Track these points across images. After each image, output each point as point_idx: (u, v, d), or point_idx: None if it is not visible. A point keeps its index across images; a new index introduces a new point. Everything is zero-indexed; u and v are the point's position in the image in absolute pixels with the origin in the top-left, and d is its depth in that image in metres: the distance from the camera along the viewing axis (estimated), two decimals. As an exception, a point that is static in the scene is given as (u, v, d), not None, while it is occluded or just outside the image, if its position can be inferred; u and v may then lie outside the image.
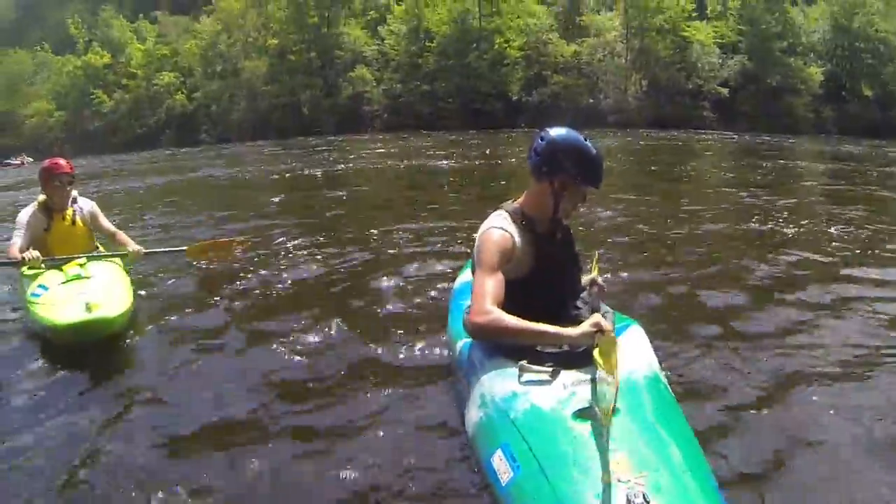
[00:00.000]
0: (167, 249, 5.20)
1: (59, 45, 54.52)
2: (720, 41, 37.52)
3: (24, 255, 4.08)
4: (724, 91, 35.67)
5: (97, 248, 4.71)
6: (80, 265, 4.07)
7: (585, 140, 2.31)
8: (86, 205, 4.59)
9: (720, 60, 36.87)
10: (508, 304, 2.14)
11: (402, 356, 3.21)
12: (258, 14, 42.88)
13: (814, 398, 2.73)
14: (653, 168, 13.46)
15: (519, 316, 2.09)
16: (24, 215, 4.31)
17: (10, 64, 55.60)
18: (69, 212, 4.44)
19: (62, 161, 4.42)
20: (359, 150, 21.64)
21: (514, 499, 1.65)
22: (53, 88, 51.37)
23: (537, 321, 2.09)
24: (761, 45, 37.37)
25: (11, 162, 35.89)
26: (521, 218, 2.33)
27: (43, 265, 4.11)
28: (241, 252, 5.44)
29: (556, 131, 2.34)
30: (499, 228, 2.27)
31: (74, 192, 4.53)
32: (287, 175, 14.37)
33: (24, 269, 4.14)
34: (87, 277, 3.96)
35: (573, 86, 35.80)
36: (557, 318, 2.21)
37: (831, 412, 2.58)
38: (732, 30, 38.24)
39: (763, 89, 36.41)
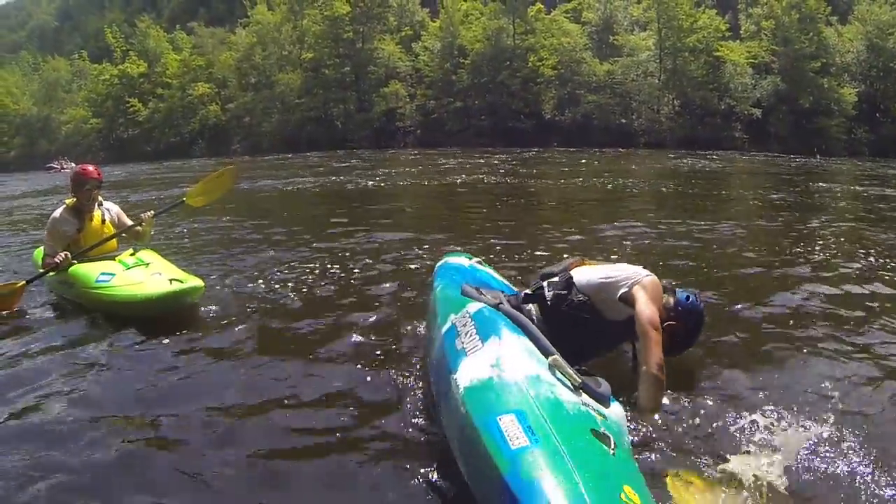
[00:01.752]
0: (170, 206, 5.66)
1: (96, 53, 55.72)
2: (753, 61, 37.35)
3: (56, 259, 4.59)
4: (757, 112, 35.52)
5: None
6: (131, 254, 4.68)
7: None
8: (112, 207, 5.02)
9: (753, 81, 36.73)
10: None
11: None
12: (293, 28, 43.42)
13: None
14: (686, 189, 13.31)
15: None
16: (58, 219, 4.73)
17: (48, 71, 56.99)
18: (97, 213, 4.86)
19: (91, 167, 4.86)
20: (391, 165, 21.75)
21: (526, 465, 1.65)
22: (89, 96, 52.44)
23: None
24: (794, 65, 37.12)
25: (53, 166, 36.74)
26: None
27: (75, 261, 4.60)
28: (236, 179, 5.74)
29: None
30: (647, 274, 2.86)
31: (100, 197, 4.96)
32: (318, 188, 14.41)
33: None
34: (148, 263, 4.57)
35: (606, 105, 35.88)
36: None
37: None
38: (766, 50, 38.04)
39: (796, 110, 36.22)
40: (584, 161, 22.14)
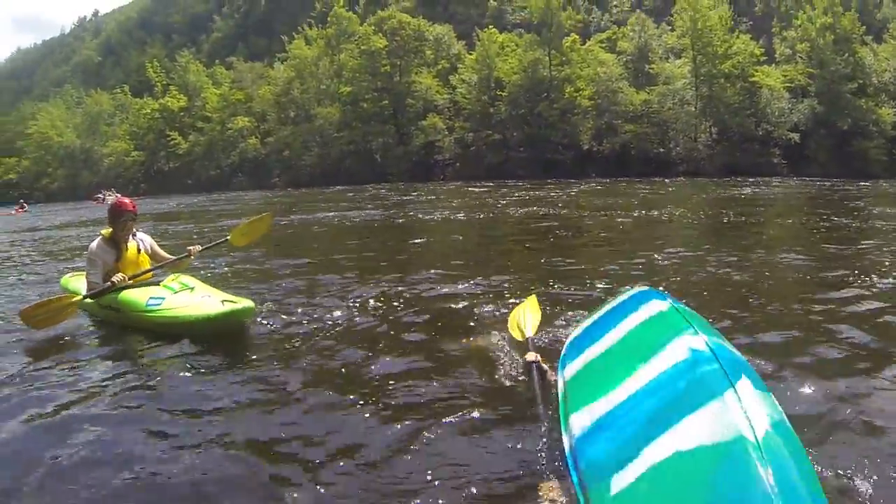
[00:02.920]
0: (214, 243, 5.82)
1: (137, 88, 57.37)
2: (789, 85, 37.43)
3: (113, 279, 4.85)
4: (795, 136, 35.53)
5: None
6: (175, 280, 4.93)
7: None
8: (146, 238, 5.25)
9: (790, 105, 36.77)
10: None
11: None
12: (331, 62, 44.38)
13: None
14: (724, 219, 13.26)
15: None
16: (96, 249, 4.92)
17: (91, 104, 58.76)
18: (133, 244, 5.07)
19: (128, 200, 5.14)
20: (430, 198, 21.71)
21: None
22: (131, 129, 54.00)
23: None
24: (831, 87, 37.12)
25: (99, 196, 37.76)
26: None
27: (130, 282, 4.92)
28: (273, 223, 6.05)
29: None
30: None
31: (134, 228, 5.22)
32: (358, 221, 14.42)
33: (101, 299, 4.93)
34: (192, 288, 4.80)
35: (643, 134, 36.18)
36: None
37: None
38: (801, 73, 38.08)
39: (834, 133, 36.17)
40: (624, 191, 22.16)
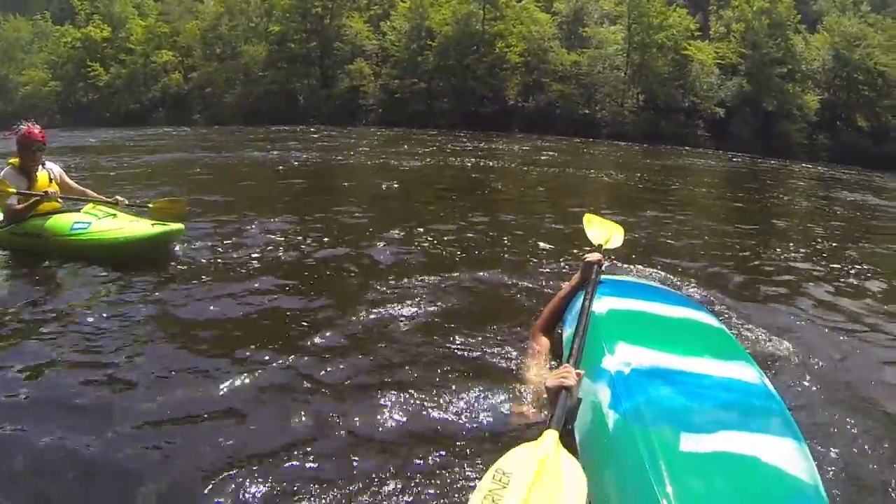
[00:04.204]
0: (137, 205, 5.80)
1: (59, 15, 54.12)
2: (720, 62, 37.57)
3: (47, 190, 5.00)
4: (720, 111, 35.75)
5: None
6: (95, 208, 5.12)
7: None
8: (55, 167, 5.36)
9: (719, 81, 36.98)
10: None
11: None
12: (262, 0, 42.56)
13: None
14: (644, 184, 13.39)
15: None
16: (6, 178, 4.96)
17: (9, 30, 55.09)
18: (43, 173, 5.15)
19: (37, 130, 5.15)
20: (351, 142, 21.45)
21: None
22: (49, 58, 50.81)
23: None
24: (761, 69, 37.47)
25: (16, 128, 35.37)
26: None
27: (58, 201, 5.11)
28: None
29: None
30: None
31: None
32: (281, 162, 14.17)
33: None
34: (116, 215, 5.04)
35: (570, 95, 35.75)
36: None
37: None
38: (734, 52, 38.29)
39: (759, 112, 36.54)
40: (547, 147, 22.27)
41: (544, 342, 2.82)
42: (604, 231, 3.88)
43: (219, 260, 4.81)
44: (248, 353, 3.11)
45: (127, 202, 5.48)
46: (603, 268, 2.92)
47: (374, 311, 3.67)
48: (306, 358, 3.00)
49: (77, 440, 2.33)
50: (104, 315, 3.63)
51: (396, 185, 10.50)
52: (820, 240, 7.35)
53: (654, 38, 36.69)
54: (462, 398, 2.60)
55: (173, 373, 2.90)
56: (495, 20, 37.43)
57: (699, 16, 40.93)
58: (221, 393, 2.67)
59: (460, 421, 2.45)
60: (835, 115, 39.15)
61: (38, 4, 59.78)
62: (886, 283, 5.42)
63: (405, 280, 4.35)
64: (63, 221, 4.89)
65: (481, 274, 4.57)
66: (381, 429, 2.42)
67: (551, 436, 1.66)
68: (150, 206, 5.72)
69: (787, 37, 38.88)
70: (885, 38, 39.51)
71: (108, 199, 5.36)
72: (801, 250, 6.61)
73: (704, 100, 36.04)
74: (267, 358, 3.02)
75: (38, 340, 3.28)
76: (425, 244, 5.64)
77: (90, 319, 3.56)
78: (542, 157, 17.85)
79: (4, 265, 4.86)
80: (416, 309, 3.76)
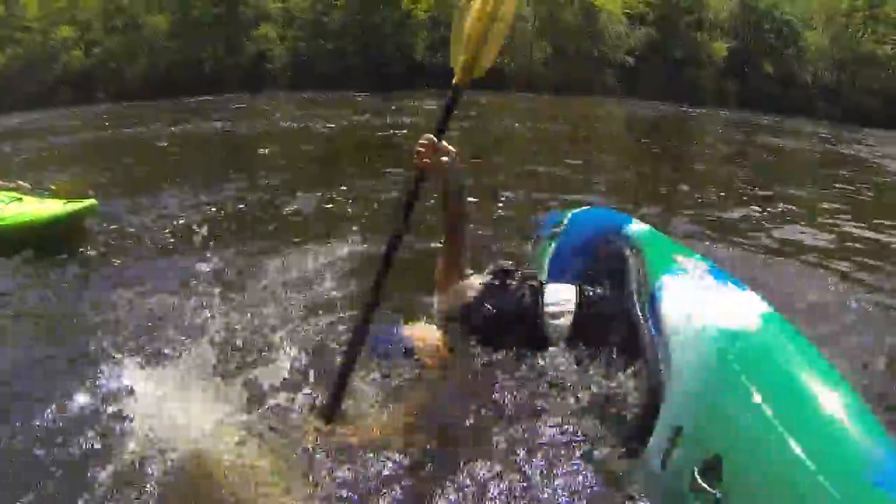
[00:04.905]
0: (39, 188, 5.70)
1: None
2: (628, 11, 37.94)
3: None
4: (630, 60, 36.19)
5: None
6: (2, 191, 5.12)
7: None
8: None
9: (627, 30, 37.35)
10: None
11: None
12: (161, -33, 40.96)
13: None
14: (556, 133, 13.60)
15: None
16: None
17: None
18: None
19: None
20: (261, 109, 21.57)
21: None
22: (-59, 42, 48.00)
23: None
24: (669, 17, 38.11)
25: None
26: None
27: None
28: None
29: None
30: None
31: None
32: (185, 134, 14.08)
33: None
34: (21, 199, 5.00)
35: (479, 49, 35.51)
36: None
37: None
38: (642, 1, 38.72)
39: (667, 60, 37.16)
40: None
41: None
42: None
43: (134, 233, 4.90)
44: (168, 332, 3.02)
45: (29, 186, 5.44)
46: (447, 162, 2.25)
47: (297, 277, 3.61)
48: (224, 331, 2.86)
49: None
50: (29, 298, 3.67)
51: (311, 149, 10.83)
52: (737, 183, 7.69)
53: (560, -11, 36.79)
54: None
55: (92, 356, 2.79)
56: (400, -23, 36.91)
57: (606, -33, 41.13)
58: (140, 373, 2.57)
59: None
60: (743, 61, 40.15)
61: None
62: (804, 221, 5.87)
63: (328, 242, 4.25)
64: None
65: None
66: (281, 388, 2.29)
67: None
68: (52, 187, 5.68)
69: (694, -15, 39.59)
70: (790, -13, 40.74)
71: (9, 184, 5.33)
72: (720, 193, 6.97)
73: (613, 49, 36.41)
74: (184, 337, 2.90)
75: None
76: (346, 206, 5.79)
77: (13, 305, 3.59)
78: (454, 113, 17.87)
79: None
80: (343, 270, 3.73)
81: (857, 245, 5.18)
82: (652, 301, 1.74)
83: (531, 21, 36.71)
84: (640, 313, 1.77)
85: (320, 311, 3.03)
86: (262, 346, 2.68)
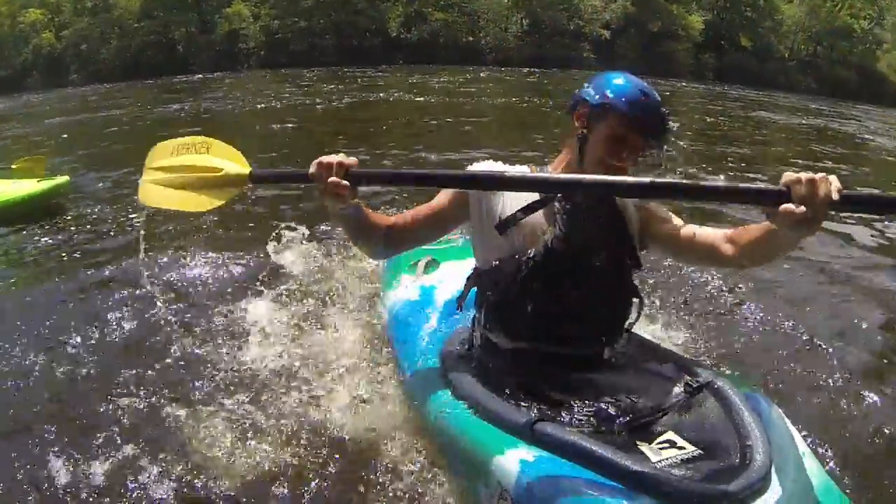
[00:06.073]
0: None
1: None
2: (604, -16, 37.81)
3: None
4: (606, 33, 36.07)
5: None
6: None
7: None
8: None
9: (603, 3, 37.22)
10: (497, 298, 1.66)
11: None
12: (130, -55, 40.25)
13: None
14: (531, 107, 13.55)
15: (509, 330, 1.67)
16: None
17: None
18: None
19: None
20: (234, 88, 21.18)
21: None
22: None
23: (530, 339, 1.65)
24: (645, -10, 37.94)
25: None
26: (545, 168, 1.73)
27: None
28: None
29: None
30: (494, 164, 1.66)
31: None
32: (159, 115, 13.81)
33: None
34: None
35: (453, 23, 35.41)
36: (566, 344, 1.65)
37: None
38: (617, -26, 38.55)
39: (643, 33, 37.08)
40: (432, 78, 22.21)
41: None
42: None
43: (107, 209, 4.97)
44: (140, 307, 3.07)
45: None
46: None
47: (273, 254, 3.55)
48: (193, 302, 3.05)
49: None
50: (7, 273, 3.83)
51: (284, 127, 10.63)
52: (719, 158, 7.66)
53: (536, -37, 36.55)
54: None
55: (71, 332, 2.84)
56: (373, -49, 36.58)
57: (581, -60, 40.91)
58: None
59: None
60: (719, 35, 40.15)
61: None
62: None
63: (301, 224, 4.06)
64: None
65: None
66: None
67: None
68: (13, 167, 5.70)
69: (670, -41, 39.44)
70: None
71: None
72: (703, 168, 6.98)
73: (589, 22, 36.29)
74: (153, 313, 2.97)
75: None
76: None
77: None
78: (428, 88, 18.12)
79: None
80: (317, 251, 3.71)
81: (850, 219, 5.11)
82: None
83: (506, -6, 36.61)
84: None
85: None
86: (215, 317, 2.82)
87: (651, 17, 37.57)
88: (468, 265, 2.08)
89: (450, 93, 16.19)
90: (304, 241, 3.72)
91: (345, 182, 1.43)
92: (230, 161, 1.77)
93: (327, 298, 3.00)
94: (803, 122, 14.26)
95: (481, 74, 24.37)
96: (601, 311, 1.65)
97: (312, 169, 1.45)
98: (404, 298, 2.43)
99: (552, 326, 1.61)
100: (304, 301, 2.99)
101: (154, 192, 1.86)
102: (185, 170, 1.81)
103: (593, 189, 1.42)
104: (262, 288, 3.08)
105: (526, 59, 33.55)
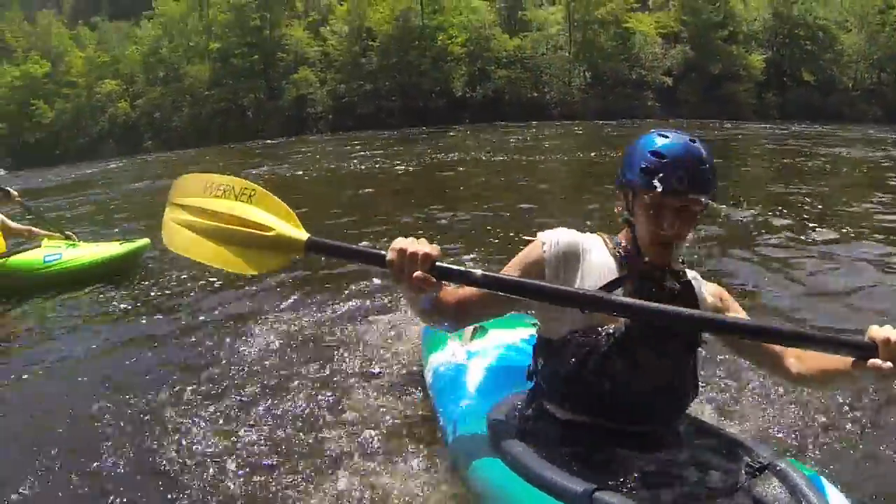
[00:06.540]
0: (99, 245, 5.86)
1: (-5, 55, 52.91)
2: (662, 31, 37.81)
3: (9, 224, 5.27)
4: (668, 80, 36.00)
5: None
6: (52, 241, 5.41)
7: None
8: None
9: (663, 51, 37.21)
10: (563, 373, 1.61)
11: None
12: (199, 18, 42.07)
13: None
14: (600, 160, 13.39)
15: (569, 403, 1.63)
16: None
17: (-54, 74, 53.88)
18: None
19: None
20: (302, 152, 21.41)
21: None
22: (-8, 100, 49.76)
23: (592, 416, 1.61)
24: (703, 34, 37.79)
25: None
26: (616, 246, 1.66)
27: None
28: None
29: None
30: (569, 233, 1.67)
31: None
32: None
33: None
34: (76, 244, 5.40)
35: (517, 80, 35.81)
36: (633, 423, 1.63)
37: None
38: (674, 20, 38.56)
39: (705, 77, 36.83)
40: (499, 135, 22.34)
41: None
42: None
43: (184, 272, 5.05)
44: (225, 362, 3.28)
45: (75, 238, 5.65)
46: None
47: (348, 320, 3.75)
48: (277, 358, 3.22)
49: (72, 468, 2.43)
50: (94, 328, 4.07)
51: (352, 190, 10.50)
52: (793, 200, 7.34)
53: (594, 15, 36.82)
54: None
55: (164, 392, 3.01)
56: (434, 13, 37.42)
57: (636, -13, 41.09)
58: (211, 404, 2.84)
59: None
60: (780, 72, 39.58)
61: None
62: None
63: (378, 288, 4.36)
64: (32, 257, 5.14)
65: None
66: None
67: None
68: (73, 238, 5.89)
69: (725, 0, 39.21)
70: (821, -10, 40.07)
71: (61, 234, 5.61)
72: (778, 211, 6.69)
73: (650, 70, 36.29)
74: (240, 368, 3.18)
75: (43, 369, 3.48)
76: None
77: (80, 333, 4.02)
78: (496, 146, 17.86)
79: None
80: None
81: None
82: None
83: (568, 49, 36.86)
84: None
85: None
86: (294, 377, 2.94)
87: (711, 59, 37.30)
88: (516, 334, 2.25)
89: (519, 150, 16.02)
90: (352, 300, 4.00)
91: (432, 279, 1.36)
92: (281, 219, 1.55)
93: (368, 358, 3.18)
94: (872, 153, 13.73)
95: (547, 131, 24.22)
96: (669, 391, 1.62)
97: (391, 255, 1.37)
98: (450, 362, 2.42)
99: (619, 402, 1.57)
100: (346, 360, 3.17)
101: (182, 236, 1.63)
102: (223, 218, 1.57)
103: (659, 318, 1.36)
104: (334, 351, 3.30)
105: (591, 112, 33.57)
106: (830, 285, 4.32)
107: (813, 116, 32.96)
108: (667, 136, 1.55)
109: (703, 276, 1.78)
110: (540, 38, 37.24)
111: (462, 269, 1.41)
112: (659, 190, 1.49)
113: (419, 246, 1.37)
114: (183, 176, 1.71)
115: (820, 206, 6.81)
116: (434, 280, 1.36)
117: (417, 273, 1.35)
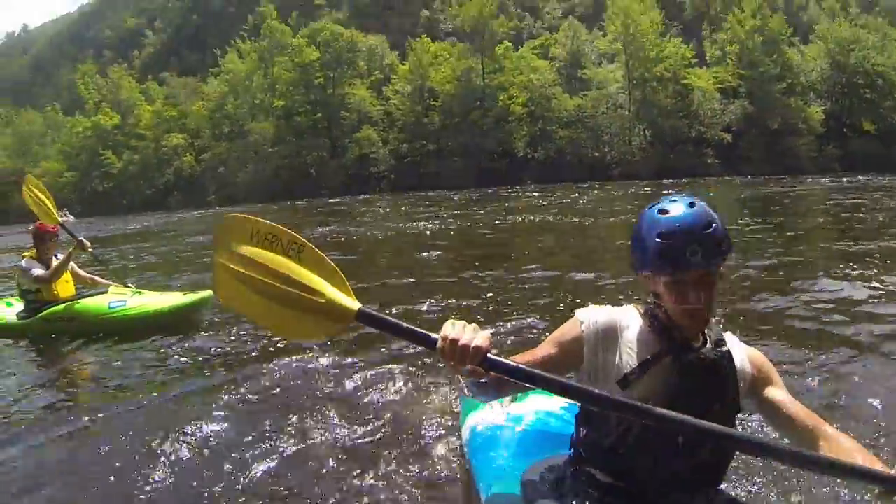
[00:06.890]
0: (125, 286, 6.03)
1: (69, 105, 55.49)
2: (720, 86, 37.81)
3: (81, 240, 5.53)
4: (727, 136, 35.91)
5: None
6: (119, 289, 5.61)
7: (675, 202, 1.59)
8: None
9: (721, 106, 37.17)
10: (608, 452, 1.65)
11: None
12: (264, 76, 43.50)
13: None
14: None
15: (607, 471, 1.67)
16: (27, 265, 5.36)
17: (21, 124, 56.53)
18: (55, 262, 5.47)
19: (49, 224, 5.62)
20: (364, 211, 21.58)
21: None
22: (63, 149, 52.07)
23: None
24: (761, 87, 37.68)
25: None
26: (653, 320, 1.65)
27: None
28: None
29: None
30: (606, 310, 1.71)
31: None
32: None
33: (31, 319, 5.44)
34: (141, 292, 5.58)
35: (577, 139, 36.15)
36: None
37: None
38: (732, 74, 38.52)
39: (765, 132, 36.63)
40: (562, 196, 22.15)
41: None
42: None
43: (248, 327, 5.09)
44: (283, 413, 3.37)
45: (132, 288, 5.82)
46: None
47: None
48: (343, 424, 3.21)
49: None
50: (151, 376, 4.22)
51: (414, 251, 10.39)
52: (857, 258, 6.94)
53: (653, 72, 37.06)
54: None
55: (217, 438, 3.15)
56: (495, 73, 38.08)
57: (693, 43, 41.27)
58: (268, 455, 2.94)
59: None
60: (840, 123, 39.08)
61: (48, 97, 61.26)
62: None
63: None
64: (98, 302, 5.34)
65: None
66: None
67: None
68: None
69: (782, 51, 39.11)
70: (877, 38, 39.67)
71: (123, 285, 5.82)
72: (834, 265, 6.54)
73: (710, 127, 36.28)
74: (298, 420, 3.25)
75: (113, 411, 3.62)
76: (463, 306, 5.62)
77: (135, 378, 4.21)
78: (558, 206, 17.48)
79: (42, 352, 5.19)
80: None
81: None
82: None
83: (627, 107, 37.13)
84: None
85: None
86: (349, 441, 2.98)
87: (770, 114, 37.14)
88: (555, 402, 2.36)
89: (581, 212, 15.72)
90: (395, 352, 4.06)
91: (481, 372, 1.39)
92: (331, 283, 1.51)
93: (404, 416, 3.22)
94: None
95: (609, 192, 23.92)
96: (708, 462, 1.65)
97: (441, 343, 1.37)
98: (488, 422, 2.47)
99: (660, 471, 1.60)
100: (386, 416, 3.22)
101: (237, 291, 1.58)
102: (271, 273, 1.52)
103: (689, 432, 1.37)
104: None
105: (651, 171, 33.61)
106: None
107: (875, 167, 32.25)
108: (667, 211, 1.54)
109: (758, 335, 1.84)
110: (599, 97, 37.53)
111: (512, 364, 1.40)
112: (675, 272, 1.51)
113: (471, 336, 1.36)
114: (230, 215, 1.68)
115: (888, 261, 6.42)
116: (482, 371, 1.39)
117: (469, 367, 1.37)
